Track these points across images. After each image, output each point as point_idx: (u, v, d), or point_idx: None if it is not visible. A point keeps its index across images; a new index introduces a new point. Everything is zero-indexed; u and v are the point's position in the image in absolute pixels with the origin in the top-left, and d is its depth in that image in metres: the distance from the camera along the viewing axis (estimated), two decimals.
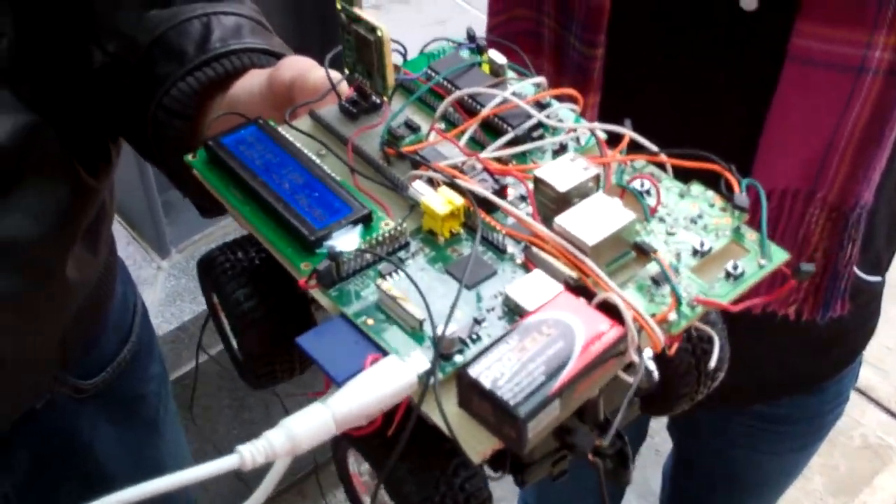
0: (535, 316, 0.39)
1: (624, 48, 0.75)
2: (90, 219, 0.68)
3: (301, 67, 0.55)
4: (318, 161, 0.48)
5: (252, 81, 0.59)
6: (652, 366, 0.44)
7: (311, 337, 0.41)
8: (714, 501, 1.15)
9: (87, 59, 0.62)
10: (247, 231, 0.48)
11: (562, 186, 0.44)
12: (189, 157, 0.49)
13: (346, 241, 0.44)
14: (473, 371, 0.37)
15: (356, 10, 0.48)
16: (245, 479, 0.39)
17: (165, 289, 1.41)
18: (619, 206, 0.43)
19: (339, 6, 0.49)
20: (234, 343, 0.52)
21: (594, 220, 0.42)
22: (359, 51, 0.49)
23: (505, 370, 0.37)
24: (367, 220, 0.45)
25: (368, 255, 0.43)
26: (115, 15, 0.62)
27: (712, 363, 0.44)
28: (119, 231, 1.47)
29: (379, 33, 0.47)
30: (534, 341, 0.38)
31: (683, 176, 0.47)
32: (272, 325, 0.49)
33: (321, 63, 0.56)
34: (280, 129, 0.50)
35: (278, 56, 0.61)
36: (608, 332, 0.38)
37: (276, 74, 0.56)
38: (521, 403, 0.36)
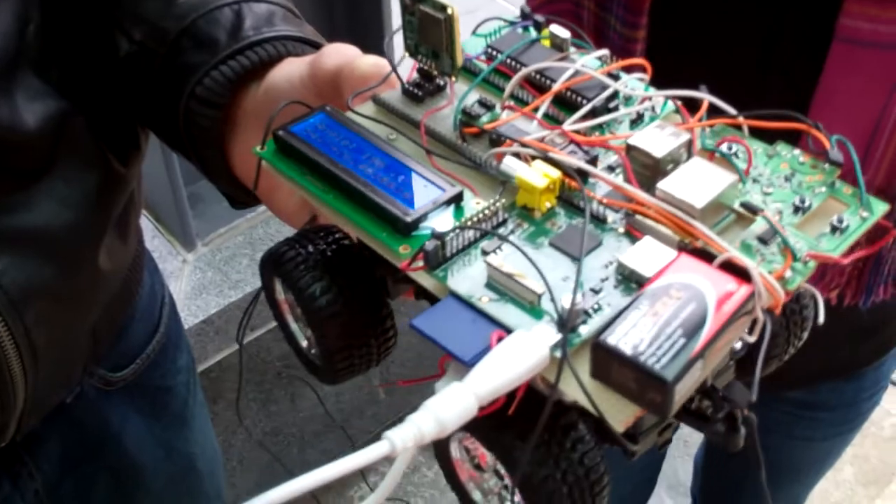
0: (660, 280, 0.38)
1: (666, 30, 0.74)
2: (120, 207, 0.66)
3: (347, 55, 0.53)
4: (392, 143, 0.47)
5: (290, 70, 0.57)
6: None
7: (426, 319, 0.39)
8: (748, 489, 1.14)
9: (114, 47, 0.61)
10: (328, 219, 0.46)
11: (658, 152, 0.43)
12: (258, 149, 0.47)
13: (442, 221, 0.43)
14: (612, 339, 0.36)
15: None
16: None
17: (191, 282, 1.40)
18: (718, 168, 0.42)
19: None
20: (307, 341, 0.50)
21: (696, 183, 0.42)
22: (424, 31, 0.48)
23: (643, 335, 0.36)
24: (458, 200, 0.44)
25: (470, 233, 0.42)
26: (139, 2, 0.60)
27: (820, 319, 0.44)
28: (145, 224, 1.46)
29: (449, 10, 0.46)
30: (665, 305, 0.37)
31: (760, 137, 0.47)
32: (351, 317, 0.48)
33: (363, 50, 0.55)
34: (346, 114, 0.49)
35: (313, 44, 0.60)
36: (738, 290, 0.38)
37: (319, 62, 0.54)
38: (666, 367, 0.35)
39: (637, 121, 0.48)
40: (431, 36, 0.48)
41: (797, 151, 0.46)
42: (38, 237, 0.58)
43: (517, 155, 0.45)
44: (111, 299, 0.69)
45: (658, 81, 0.78)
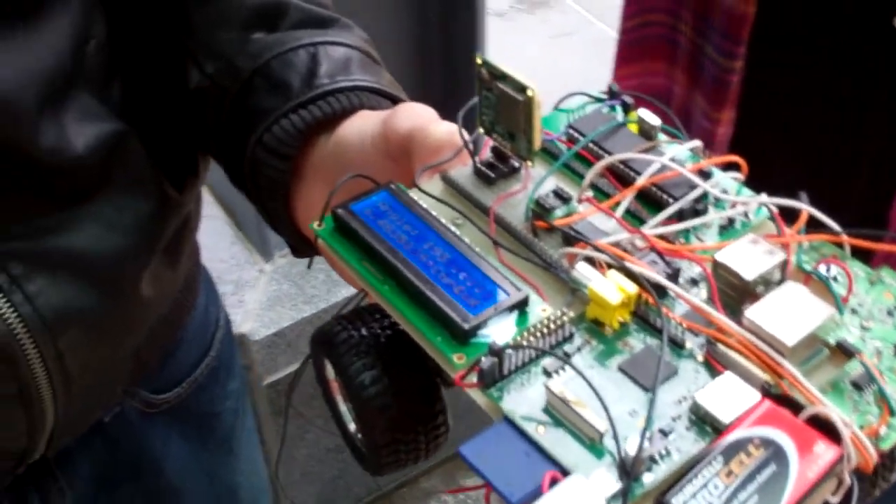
0: (739, 432, 0.34)
1: (764, 61, 0.70)
2: (171, 233, 0.64)
3: (421, 118, 0.50)
4: (457, 233, 0.43)
5: (363, 125, 0.54)
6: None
7: (475, 447, 0.36)
8: None
9: (184, 76, 0.58)
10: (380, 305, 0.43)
11: (748, 274, 0.39)
12: (315, 226, 0.44)
13: (502, 329, 0.39)
14: (676, 500, 0.32)
15: (502, 67, 0.43)
16: None
17: (266, 293, 1.39)
18: (814, 298, 0.38)
19: (478, 61, 0.44)
20: (354, 427, 0.47)
21: (789, 314, 0.38)
22: (500, 110, 0.44)
23: (713, 499, 0.32)
24: (523, 306, 0.40)
25: (530, 351, 0.38)
26: (213, 33, 0.58)
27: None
28: (224, 230, 1.46)
29: (530, 93, 0.42)
30: (741, 464, 0.33)
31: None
32: (401, 410, 0.44)
33: (440, 113, 0.51)
34: (411, 192, 0.45)
35: (390, 97, 0.57)
36: (825, 453, 0.34)
37: (391, 123, 0.51)
38: None
39: (727, 227, 0.44)
40: (508, 116, 0.44)
41: None
42: (78, 261, 0.56)
43: (591, 259, 0.41)
44: (157, 324, 0.67)
45: (753, 116, 0.73)
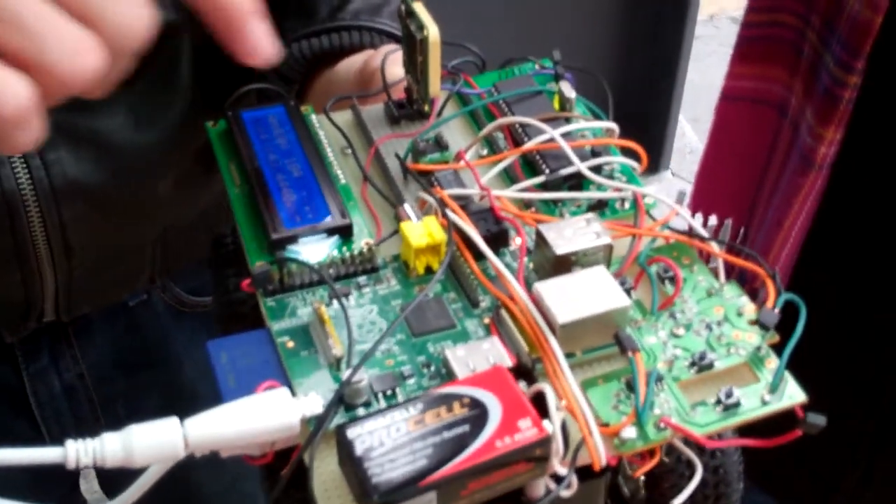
0: (454, 387, 0.33)
1: (885, 81, 0.64)
2: (202, 142, 0.65)
3: (389, 60, 0.50)
4: (332, 158, 0.44)
5: (353, 61, 0.55)
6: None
7: (223, 344, 0.37)
8: None
9: None
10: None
11: (560, 248, 0.37)
12: (210, 124, 0.46)
13: (315, 249, 0.39)
14: (351, 431, 0.32)
15: (414, 5, 0.43)
16: None
17: None
18: (614, 286, 0.36)
19: None
20: None
21: (580, 295, 0.35)
22: (409, 49, 0.44)
23: (386, 440, 0.31)
24: (345, 232, 0.40)
25: (313, 273, 0.38)
26: None
27: (678, 500, 0.36)
28: None
29: (425, 32, 0.42)
30: (437, 417, 0.32)
31: None
32: None
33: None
34: (314, 116, 0.46)
35: None
36: (526, 430, 0.32)
37: (370, 60, 0.52)
38: (381, 485, 0.30)
39: (597, 208, 0.42)
40: (413, 56, 0.44)
41: (744, 300, 0.37)
42: (103, 142, 0.58)
43: (435, 207, 0.40)
44: (189, 225, 0.70)
45: (864, 138, 0.67)
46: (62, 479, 0.76)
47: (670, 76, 1.89)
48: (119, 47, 0.34)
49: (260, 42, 0.37)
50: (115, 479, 0.77)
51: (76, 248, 0.61)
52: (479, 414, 0.32)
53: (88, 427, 0.71)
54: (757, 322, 0.36)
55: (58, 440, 0.71)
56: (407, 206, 0.40)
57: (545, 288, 0.36)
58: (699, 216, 0.40)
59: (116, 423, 0.32)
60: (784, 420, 0.35)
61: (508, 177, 0.43)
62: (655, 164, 1.85)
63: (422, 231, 0.38)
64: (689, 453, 0.36)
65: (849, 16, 0.63)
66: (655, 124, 1.89)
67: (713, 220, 0.45)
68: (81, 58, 0.33)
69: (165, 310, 0.75)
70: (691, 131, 2.09)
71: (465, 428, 0.32)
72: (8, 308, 0.64)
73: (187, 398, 0.80)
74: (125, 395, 0.75)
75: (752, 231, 0.76)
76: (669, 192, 0.40)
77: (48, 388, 0.70)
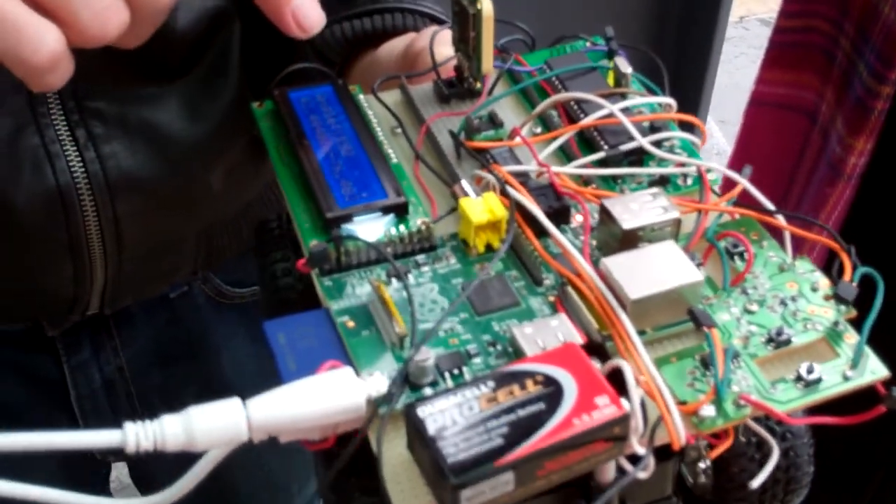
0: (526, 364, 0.32)
1: None
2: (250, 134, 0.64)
3: (436, 40, 0.49)
4: (382, 138, 0.42)
5: (396, 43, 0.54)
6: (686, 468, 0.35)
7: (281, 324, 0.35)
8: None
9: None
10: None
11: (628, 223, 0.36)
12: (255, 105, 0.45)
13: (370, 228, 0.38)
14: (422, 410, 0.30)
15: None
16: None
17: None
18: (685, 261, 0.34)
19: None
20: None
21: (650, 271, 0.34)
22: (461, 25, 0.43)
23: (458, 419, 0.30)
24: (401, 211, 0.39)
25: (373, 251, 0.37)
26: None
27: (756, 481, 0.35)
28: None
29: (479, 6, 0.41)
30: (509, 394, 0.31)
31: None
32: None
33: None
34: (362, 96, 0.45)
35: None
36: (604, 408, 0.30)
37: (414, 41, 0.51)
38: (457, 466, 0.29)
39: (659, 184, 0.40)
40: (465, 31, 0.43)
41: (818, 274, 0.36)
42: (156, 134, 0.58)
43: (493, 184, 0.39)
44: (234, 217, 0.69)
45: (888, 159, 0.65)
46: (94, 468, 0.75)
47: (699, 78, 1.88)
48: (147, 13, 0.37)
49: (307, 12, 0.38)
50: (145, 468, 0.76)
51: (128, 242, 0.61)
52: (554, 391, 0.31)
53: (125, 421, 0.70)
54: (835, 296, 0.34)
55: None
56: (465, 183, 0.38)
57: (614, 263, 0.34)
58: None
59: (153, 417, 0.31)
60: (857, 398, 0.33)
61: (565, 154, 0.42)
62: None
63: (482, 207, 0.37)
64: (764, 433, 0.35)
65: (884, 24, 0.62)
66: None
67: None
68: (107, 19, 0.35)
69: (206, 301, 0.74)
70: (719, 133, 2.07)
71: (541, 406, 0.30)
72: (55, 302, 0.64)
73: (224, 391, 0.78)
74: (163, 388, 0.74)
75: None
76: None
77: (88, 382, 0.69)
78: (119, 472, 0.98)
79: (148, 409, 0.71)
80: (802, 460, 0.39)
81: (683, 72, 1.90)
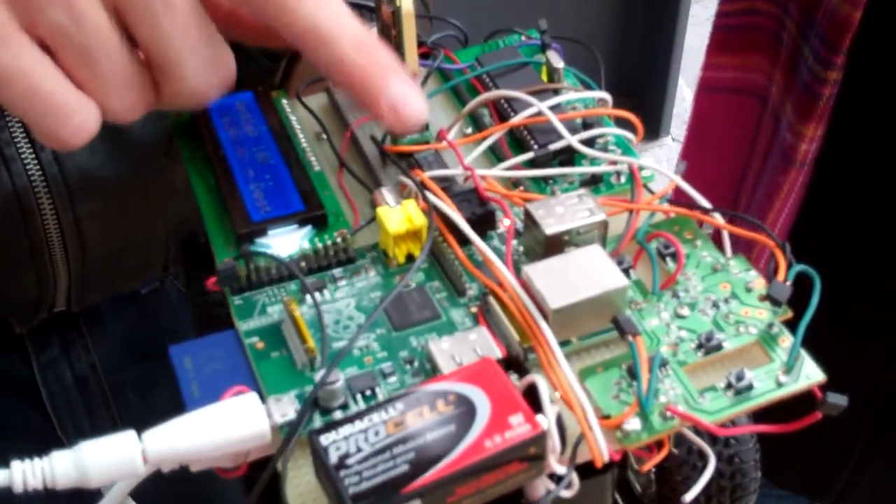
0: (437, 384, 0.30)
1: (865, 76, 0.61)
2: None
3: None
4: (305, 145, 0.41)
5: None
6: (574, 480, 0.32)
7: (187, 348, 0.34)
8: None
9: None
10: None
11: (551, 228, 0.34)
12: (173, 115, 0.43)
13: (286, 241, 0.36)
14: (325, 438, 0.29)
15: None
16: None
17: None
18: (613, 266, 0.33)
19: None
20: None
21: (574, 277, 0.32)
22: (382, 24, 0.41)
23: (363, 445, 0.28)
24: (319, 222, 0.37)
25: (283, 267, 0.35)
26: None
27: (689, 495, 0.33)
28: None
29: (398, 3, 0.39)
30: (419, 417, 0.29)
31: None
32: None
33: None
34: (285, 101, 0.43)
35: None
36: (518, 427, 0.29)
37: None
38: (359, 495, 0.27)
39: (591, 184, 0.39)
40: (388, 31, 0.41)
41: (753, 274, 0.34)
42: (115, 134, 0.56)
43: (422, 190, 0.37)
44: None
45: (846, 135, 0.64)
46: None
47: (668, 41, 1.85)
48: (179, 103, 0.34)
49: (404, 101, 0.33)
50: None
51: (91, 244, 0.59)
52: (465, 411, 0.29)
53: (100, 417, 0.69)
54: (767, 297, 0.33)
55: (69, 431, 0.68)
56: (383, 190, 0.37)
57: (535, 271, 0.33)
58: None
59: (129, 413, 0.30)
60: (799, 402, 0.32)
61: (495, 155, 0.40)
62: (656, 130, 1.79)
63: (400, 216, 0.35)
64: (701, 443, 0.33)
65: (826, 9, 0.60)
66: (654, 90, 1.84)
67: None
68: (135, 106, 0.34)
69: (178, 297, 0.73)
70: (691, 95, 2.05)
71: (451, 428, 0.29)
72: (19, 303, 0.62)
73: None
74: (137, 385, 0.73)
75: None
76: (671, 158, 0.37)
77: (59, 379, 0.68)
78: None
79: (123, 406, 0.70)
80: (748, 466, 0.37)
81: (653, 36, 1.87)
